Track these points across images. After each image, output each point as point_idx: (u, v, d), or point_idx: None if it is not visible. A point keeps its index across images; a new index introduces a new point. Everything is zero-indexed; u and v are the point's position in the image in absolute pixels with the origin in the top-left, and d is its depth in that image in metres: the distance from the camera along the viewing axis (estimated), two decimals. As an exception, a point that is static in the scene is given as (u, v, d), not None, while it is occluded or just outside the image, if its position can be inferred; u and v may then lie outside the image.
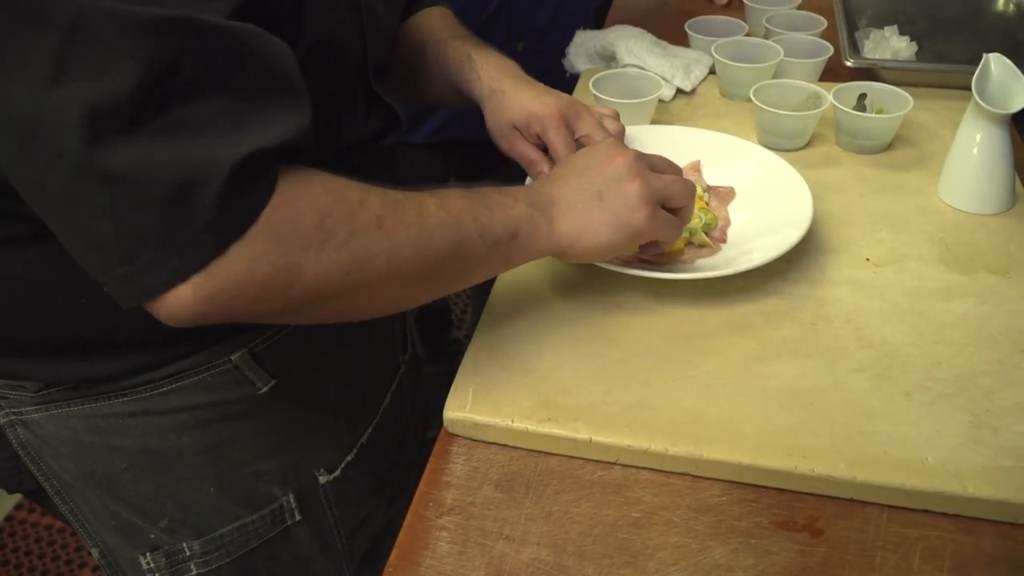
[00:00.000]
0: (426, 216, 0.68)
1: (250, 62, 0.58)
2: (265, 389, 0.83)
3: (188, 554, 0.88)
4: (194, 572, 0.89)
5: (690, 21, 1.37)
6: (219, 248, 0.58)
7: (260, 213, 0.59)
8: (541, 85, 0.97)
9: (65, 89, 0.53)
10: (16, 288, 0.72)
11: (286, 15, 0.66)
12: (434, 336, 2.16)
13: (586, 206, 0.77)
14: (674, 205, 0.81)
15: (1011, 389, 0.76)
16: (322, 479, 0.92)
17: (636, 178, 0.78)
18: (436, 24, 1.03)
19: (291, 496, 0.90)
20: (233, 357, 0.81)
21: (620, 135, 0.97)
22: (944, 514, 0.70)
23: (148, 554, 0.87)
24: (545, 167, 0.94)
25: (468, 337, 2.30)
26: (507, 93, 0.95)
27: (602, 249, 0.79)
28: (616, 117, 0.98)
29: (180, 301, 0.59)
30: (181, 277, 0.58)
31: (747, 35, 1.33)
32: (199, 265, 0.58)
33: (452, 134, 1.52)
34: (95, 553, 0.91)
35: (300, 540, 0.94)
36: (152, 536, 0.87)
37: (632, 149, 0.81)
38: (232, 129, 0.57)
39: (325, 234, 0.62)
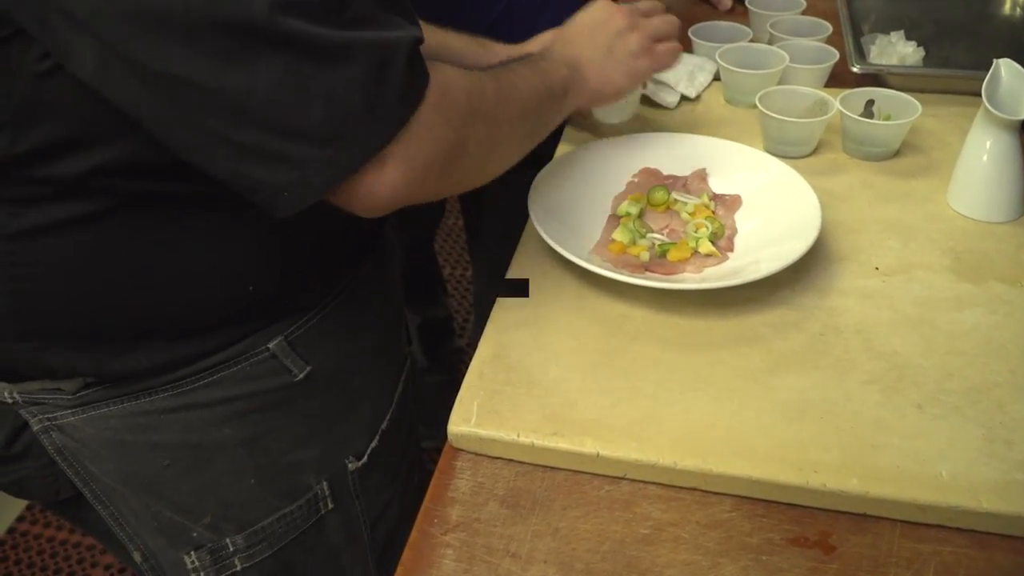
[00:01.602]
0: (517, 86, 0.82)
1: None
2: (301, 376, 0.85)
3: (232, 549, 0.89)
4: (238, 568, 0.90)
5: (694, 27, 1.35)
6: (409, 114, 0.66)
7: (427, 91, 0.67)
8: None
9: None
10: (67, 274, 0.72)
11: None
12: (436, 344, 2.14)
13: (601, 59, 0.97)
14: (667, 38, 1.03)
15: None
16: (351, 466, 0.93)
17: (635, 30, 0.99)
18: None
19: (324, 484, 0.91)
20: (271, 345, 0.82)
21: None
22: (958, 529, 0.69)
23: (192, 553, 0.88)
24: None
25: (470, 345, 2.30)
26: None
27: (622, 92, 1.01)
28: None
29: (385, 178, 0.66)
30: (383, 142, 0.65)
31: (751, 41, 1.32)
32: (396, 130, 0.65)
33: None
34: (136, 556, 0.91)
35: (332, 530, 0.95)
36: (195, 534, 0.87)
37: (624, 7, 1.00)
38: (391, 24, 0.65)
39: (474, 108, 0.73)
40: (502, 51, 1.05)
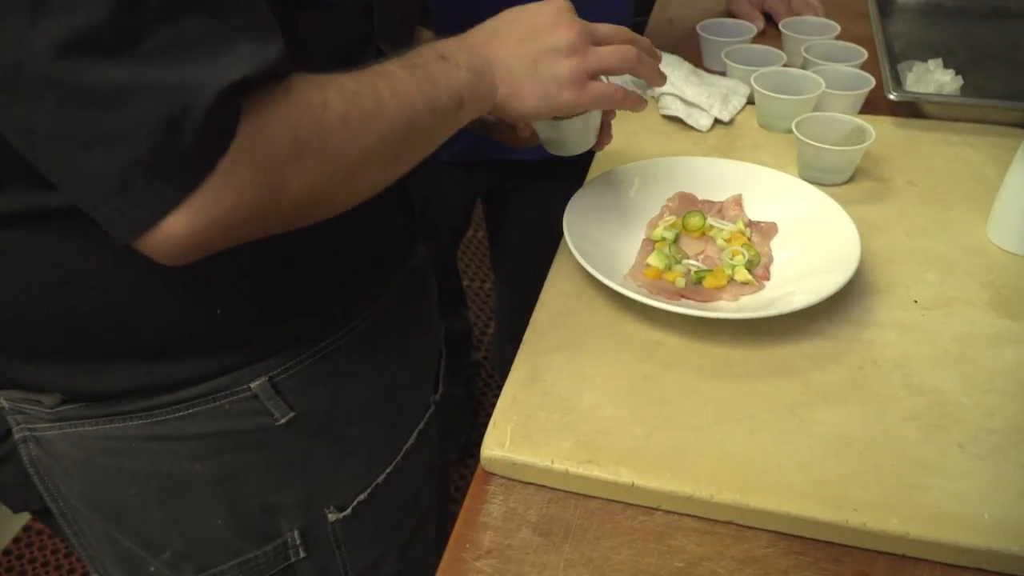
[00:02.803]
0: (382, 103, 0.68)
1: None
2: (283, 421, 0.81)
3: None
4: None
5: (727, 50, 1.35)
6: (207, 169, 0.57)
7: (236, 137, 0.58)
8: None
9: (45, 23, 0.52)
10: (23, 289, 0.70)
11: None
12: (454, 357, 2.13)
13: (521, 73, 0.79)
14: (612, 74, 0.84)
15: (1068, 443, 0.74)
16: (331, 516, 0.89)
17: (573, 55, 0.80)
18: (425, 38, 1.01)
19: (296, 532, 0.88)
20: (253, 385, 0.79)
21: None
22: (999, 573, 0.67)
23: None
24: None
25: (487, 358, 2.30)
26: None
27: (527, 116, 0.82)
28: None
29: (176, 231, 0.58)
30: (174, 203, 0.57)
31: (784, 65, 1.31)
32: (189, 189, 0.57)
33: (481, 154, 1.50)
34: None
35: None
36: (152, 569, 0.85)
37: (580, 22, 0.81)
38: (212, 53, 0.56)
39: (300, 146, 0.62)
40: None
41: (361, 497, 0.91)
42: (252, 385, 0.79)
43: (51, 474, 0.82)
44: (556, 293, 0.92)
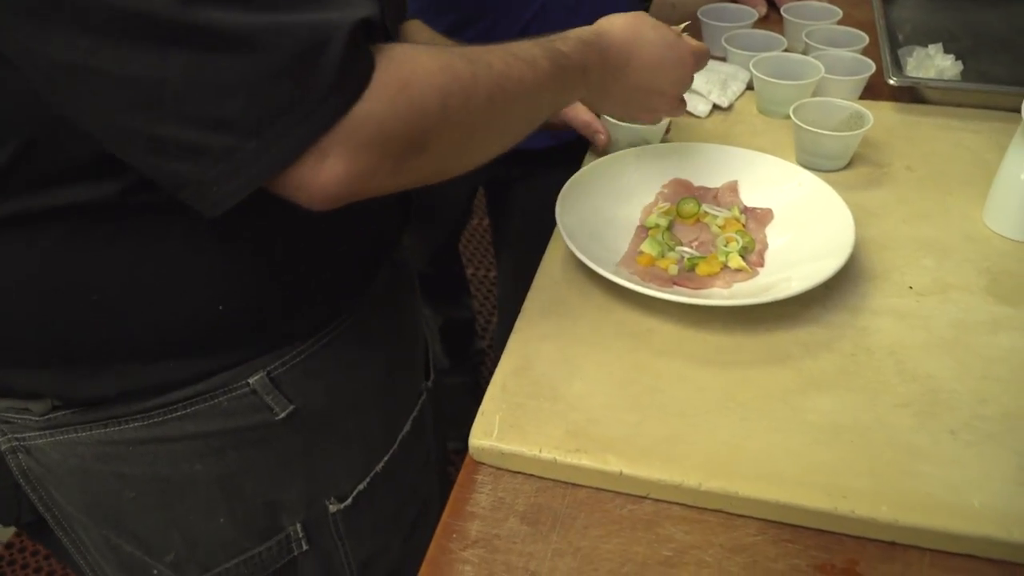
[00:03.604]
0: (524, 90, 0.74)
1: None
2: (283, 415, 0.81)
3: None
4: None
5: (727, 35, 1.34)
6: (345, 107, 0.59)
7: (372, 78, 0.61)
8: None
9: None
10: (18, 293, 0.69)
11: None
12: (458, 346, 2.13)
13: (615, 99, 0.92)
14: None
15: (1062, 430, 0.73)
16: (332, 508, 0.89)
17: (668, 104, 0.95)
18: (420, 33, 1.02)
19: (298, 526, 0.87)
20: (251, 380, 0.78)
21: None
22: (989, 560, 0.67)
23: None
24: (601, 134, 1.10)
25: (492, 347, 2.29)
26: None
27: (614, 114, 1.03)
28: None
29: (322, 175, 0.61)
30: (311, 139, 0.59)
31: (785, 50, 1.30)
32: (330, 124, 0.59)
33: None
34: None
35: (307, 572, 0.91)
36: (155, 572, 0.85)
37: (685, 86, 0.96)
38: (333, 3, 0.59)
39: (447, 113, 0.66)
40: None
41: (361, 487, 0.91)
42: (251, 381, 0.78)
43: (44, 484, 0.81)
44: (548, 281, 0.92)
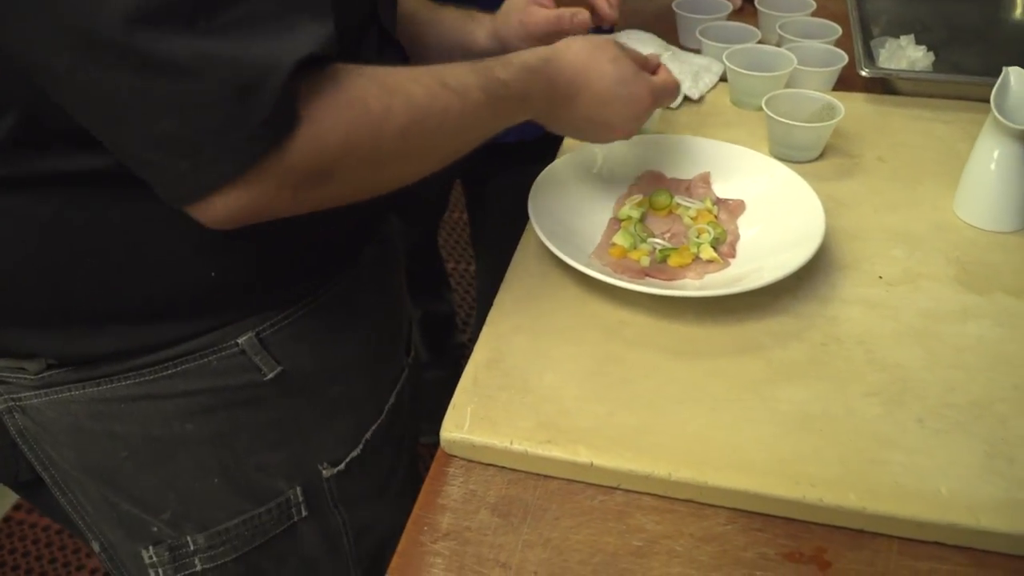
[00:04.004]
0: (447, 123, 0.72)
1: None
2: (271, 376, 0.82)
3: (192, 548, 0.86)
4: (198, 568, 0.87)
5: (702, 27, 1.34)
6: (272, 145, 0.60)
7: (299, 120, 0.61)
8: None
9: None
10: (16, 254, 0.71)
11: None
12: (438, 340, 2.13)
13: (565, 126, 0.89)
14: None
15: (1028, 417, 0.74)
16: (325, 473, 0.90)
17: (619, 136, 0.91)
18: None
19: (298, 489, 0.89)
20: (240, 340, 0.79)
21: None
22: (956, 547, 0.67)
23: (151, 547, 0.86)
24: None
25: (472, 341, 2.29)
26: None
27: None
28: None
29: (229, 200, 0.61)
30: (236, 172, 0.60)
31: (759, 42, 1.31)
32: (252, 162, 0.60)
33: None
34: (95, 546, 0.89)
35: (307, 540, 0.92)
36: (155, 529, 0.85)
37: (640, 122, 0.91)
38: (280, 29, 0.59)
39: (350, 148, 0.65)
40: (486, 19, 1.04)
41: (354, 453, 0.92)
42: (240, 341, 0.79)
43: (40, 443, 0.82)
44: (521, 273, 0.92)
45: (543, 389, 0.78)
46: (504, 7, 1.05)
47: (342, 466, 0.91)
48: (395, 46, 0.87)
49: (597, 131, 0.90)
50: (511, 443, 0.73)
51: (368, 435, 0.93)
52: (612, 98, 0.87)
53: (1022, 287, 0.88)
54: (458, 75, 0.73)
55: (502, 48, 1.01)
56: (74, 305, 0.74)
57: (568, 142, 1.14)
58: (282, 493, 0.88)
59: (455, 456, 0.76)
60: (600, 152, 1.04)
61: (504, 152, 1.45)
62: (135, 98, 0.57)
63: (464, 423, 0.75)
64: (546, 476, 0.74)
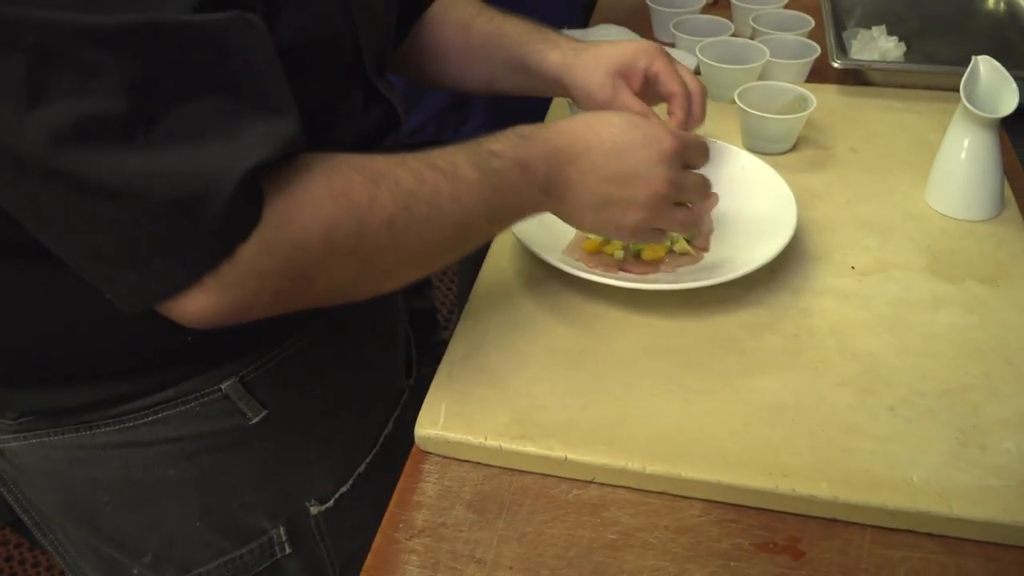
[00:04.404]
0: (438, 209, 0.66)
1: (230, 58, 0.56)
2: (256, 420, 0.80)
3: None
4: None
5: (676, 20, 1.34)
6: (225, 253, 0.56)
7: (264, 223, 0.57)
8: None
9: (46, 110, 0.50)
10: None
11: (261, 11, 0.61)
12: (420, 337, 2.13)
13: (588, 206, 0.76)
14: (670, 230, 0.82)
15: (998, 404, 0.74)
16: (313, 510, 0.88)
17: (644, 211, 0.76)
18: (468, 6, 0.98)
19: (281, 529, 0.86)
20: (223, 386, 0.77)
21: (703, 91, 0.92)
22: (929, 535, 0.68)
23: None
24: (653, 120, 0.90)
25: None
26: (599, 46, 0.92)
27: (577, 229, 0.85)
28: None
29: (197, 306, 0.58)
30: (188, 281, 0.57)
31: (733, 35, 1.31)
32: (205, 270, 0.57)
33: (428, 135, 1.49)
34: None
35: (290, 573, 0.90)
36: (135, 572, 0.84)
37: (673, 181, 0.76)
38: (229, 135, 0.55)
39: (333, 245, 0.61)
40: (564, 44, 0.92)
41: (344, 489, 0.90)
42: (223, 386, 0.77)
43: (19, 486, 0.80)
44: (495, 269, 0.92)
45: (518, 384, 0.78)
46: (591, 58, 0.91)
47: (331, 503, 0.89)
48: (382, 101, 0.82)
49: (625, 189, 0.75)
50: (485, 439, 0.73)
51: (361, 468, 0.91)
52: (626, 144, 0.76)
53: (992, 275, 0.89)
54: (445, 155, 0.68)
55: (568, 82, 0.92)
56: (42, 366, 0.72)
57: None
58: (265, 532, 0.86)
59: (430, 453, 0.75)
60: None
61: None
62: (70, 216, 0.54)
63: (439, 419, 0.75)
64: (521, 471, 0.74)
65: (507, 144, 0.72)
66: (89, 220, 0.54)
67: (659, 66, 0.89)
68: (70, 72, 0.50)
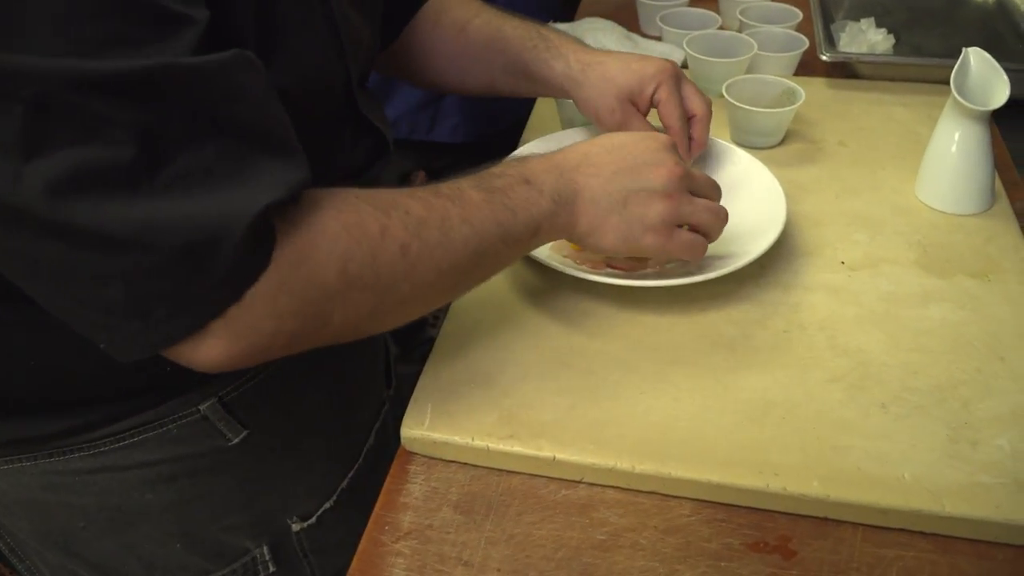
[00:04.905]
0: (450, 233, 0.65)
1: (234, 98, 0.54)
2: (236, 440, 0.78)
3: None
4: None
5: (663, 13, 1.33)
6: (236, 297, 0.55)
7: (276, 264, 0.56)
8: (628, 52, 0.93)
9: (44, 160, 0.48)
10: None
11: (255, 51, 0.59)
12: (407, 334, 2.12)
13: (608, 207, 0.73)
14: (699, 231, 0.78)
15: (989, 400, 0.74)
16: (295, 527, 0.87)
17: (667, 199, 0.74)
18: (465, 6, 0.96)
19: (265, 548, 0.85)
20: (202, 407, 0.75)
21: (708, 113, 0.91)
22: (921, 533, 0.67)
23: None
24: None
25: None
26: (606, 63, 0.90)
27: (602, 250, 0.77)
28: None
29: (213, 351, 0.57)
30: (195, 328, 0.55)
31: (720, 28, 1.30)
32: (213, 316, 0.55)
33: (402, 132, 1.48)
34: None
35: None
36: None
37: (681, 165, 0.76)
38: (236, 178, 0.54)
39: (349, 279, 0.60)
40: (568, 53, 0.91)
41: (327, 505, 0.89)
42: (202, 407, 0.75)
43: None
44: (482, 267, 0.91)
45: (505, 383, 0.77)
46: (598, 77, 0.91)
47: (313, 520, 0.88)
48: (373, 134, 0.82)
49: (639, 178, 0.74)
50: (472, 439, 0.72)
51: (344, 483, 0.90)
52: (623, 141, 0.77)
53: (983, 269, 0.88)
54: (450, 184, 0.68)
55: (576, 99, 0.92)
56: (12, 394, 0.70)
57: (528, 133, 1.13)
58: (248, 552, 0.85)
59: (416, 453, 0.74)
60: (562, 143, 1.02)
61: (452, 150, 1.46)
62: (70, 269, 0.52)
63: (424, 420, 0.74)
64: (508, 471, 0.73)
65: (506, 167, 0.72)
66: (91, 272, 0.52)
67: (662, 95, 0.89)
68: (70, 121, 0.49)
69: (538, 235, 0.72)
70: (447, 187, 0.67)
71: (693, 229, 0.78)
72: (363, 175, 0.82)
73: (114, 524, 0.78)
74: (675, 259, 0.84)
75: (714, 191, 0.80)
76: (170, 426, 0.75)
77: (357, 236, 0.60)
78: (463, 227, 0.66)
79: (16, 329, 0.66)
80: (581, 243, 0.77)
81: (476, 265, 0.68)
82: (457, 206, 0.66)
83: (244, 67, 0.55)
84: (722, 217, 0.78)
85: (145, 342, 0.55)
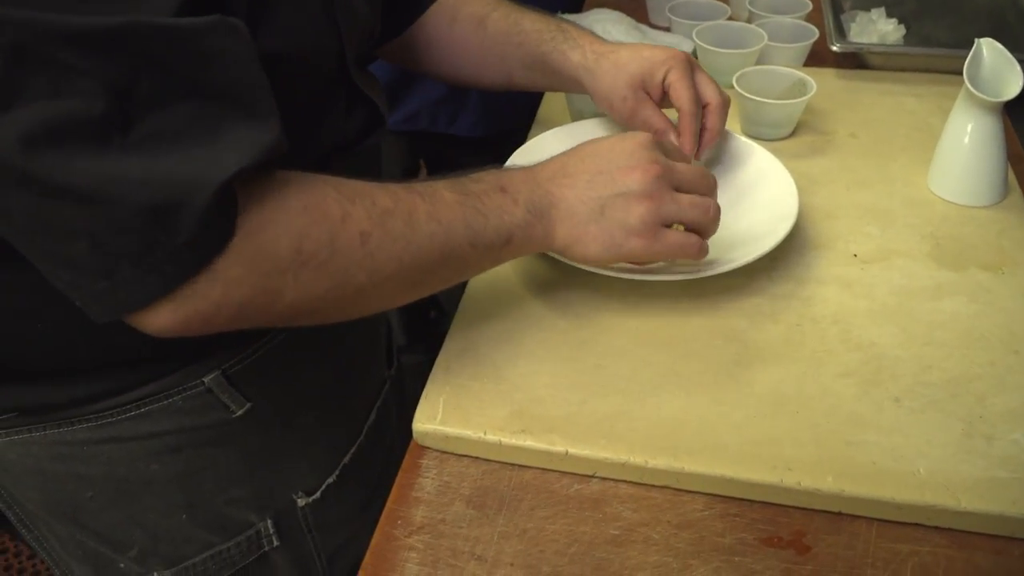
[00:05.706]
0: (415, 227, 0.65)
1: (211, 62, 0.54)
2: (240, 413, 0.79)
3: None
4: None
5: (672, 3, 1.32)
6: (199, 265, 0.56)
7: (235, 234, 0.57)
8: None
9: (19, 111, 0.49)
10: None
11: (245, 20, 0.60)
12: (415, 322, 2.12)
13: (586, 217, 0.73)
14: (692, 229, 0.76)
15: (1004, 394, 0.73)
16: (300, 502, 0.87)
17: (645, 201, 0.72)
18: (485, 0, 0.96)
19: (269, 522, 0.86)
20: (206, 379, 0.76)
21: (723, 103, 0.91)
22: (936, 528, 0.67)
23: None
24: (672, 136, 0.89)
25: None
26: (619, 52, 0.90)
27: (589, 262, 0.76)
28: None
29: (160, 317, 0.57)
30: (160, 293, 0.56)
31: (730, 18, 1.29)
32: (178, 282, 0.56)
33: (421, 124, 1.48)
34: None
35: (278, 566, 0.90)
36: (122, 566, 0.83)
37: (660, 162, 0.74)
38: (207, 141, 0.54)
39: (303, 257, 0.60)
40: (584, 43, 0.92)
41: (330, 480, 0.89)
42: (205, 380, 0.76)
43: (2, 482, 0.80)
44: (492, 260, 0.90)
45: (516, 377, 0.77)
46: (610, 65, 0.91)
47: (317, 495, 0.88)
48: (365, 102, 0.81)
49: (615, 183, 0.73)
50: (484, 434, 0.72)
51: (346, 459, 0.91)
52: (597, 147, 0.76)
53: (996, 262, 0.87)
54: (425, 182, 0.69)
55: (589, 89, 0.92)
56: (20, 362, 0.70)
57: (537, 127, 1.13)
58: (252, 526, 0.85)
59: (428, 448, 0.74)
60: (571, 136, 1.02)
61: (459, 143, 1.46)
62: (40, 220, 0.53)
63: (437, 414, 0.74)
64: (521, 466, 0.72)
65: (485, 174, 0.72)
66: (60, 226, 0.53)
67: (672, 77, 0.88)
68: (46, 73, 0.49)
69: (510, 244, 0.72)
70: (421, 185, 0.68)
71: (689, 228, 0.77)
72: (357, 147, 0.82)
73: (121, 494, 0.79)
74: (670, 260, 0.83)
75: (703, 184, 0.77)
76: (175, 398, 0.76)
77: (316, 216, 0.60)
78: (430, 223, 0.66)
79: (17, 292, 0.66)
80: (565, 256, 0.77)
81: (441, 264, 0.68)
82: (427, 203, 0.66)
83: (225, 32, 0.55)
84: (711, 212, 0.76)
85: (113, 302, 0.56)
